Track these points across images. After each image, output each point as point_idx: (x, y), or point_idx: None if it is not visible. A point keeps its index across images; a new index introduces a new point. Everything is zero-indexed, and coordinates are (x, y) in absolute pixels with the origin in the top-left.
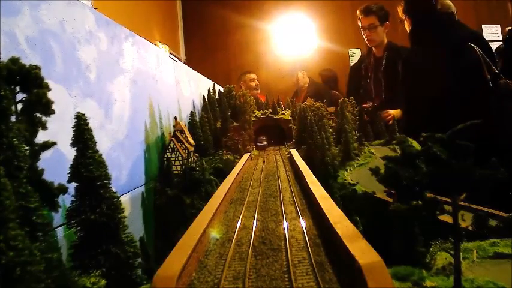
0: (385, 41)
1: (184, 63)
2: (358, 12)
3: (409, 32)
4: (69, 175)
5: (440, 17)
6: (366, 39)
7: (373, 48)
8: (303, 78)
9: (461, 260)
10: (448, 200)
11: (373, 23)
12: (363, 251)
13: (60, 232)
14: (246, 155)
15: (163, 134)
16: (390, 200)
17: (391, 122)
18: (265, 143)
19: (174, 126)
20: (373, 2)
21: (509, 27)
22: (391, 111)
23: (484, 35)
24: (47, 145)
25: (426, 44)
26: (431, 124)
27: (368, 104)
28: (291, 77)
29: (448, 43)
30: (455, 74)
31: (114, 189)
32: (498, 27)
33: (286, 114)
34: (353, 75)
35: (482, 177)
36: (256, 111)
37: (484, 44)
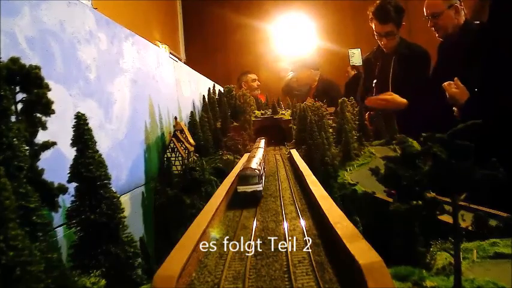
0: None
1: (184, 63)
2: (371, 14)
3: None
4: (69, 175)
5: None
6: (381, 45)
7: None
8: (310, 77)
9: (461, 260)
10: (448, 200)
11: (392, 30)
12: (363, 251)
13: (60, 232)
14: (246, 155)
15: (163, 134)
16: (390, 200)
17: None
18: (257, 187)
19: (174, 126)
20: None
21: None
22: (388, 96)
23: None
24: (47, 145)
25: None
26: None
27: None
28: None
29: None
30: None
31: (114, 189)
32: None
33: (286, 114)
34: (352, 82)
35: (482, 177)
36: (256, 111)
37: None
